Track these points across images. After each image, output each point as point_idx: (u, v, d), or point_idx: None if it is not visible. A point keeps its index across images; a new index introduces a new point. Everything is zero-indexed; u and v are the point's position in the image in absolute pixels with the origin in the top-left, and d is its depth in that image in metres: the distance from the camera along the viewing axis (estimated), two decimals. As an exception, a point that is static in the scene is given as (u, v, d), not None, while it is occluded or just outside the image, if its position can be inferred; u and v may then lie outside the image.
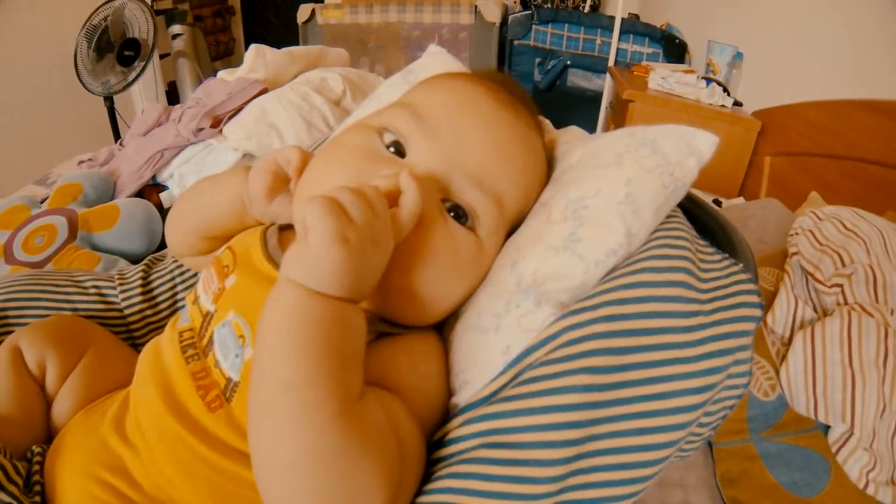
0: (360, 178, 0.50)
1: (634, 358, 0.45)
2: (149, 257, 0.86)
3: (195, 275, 0.81)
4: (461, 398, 0.51)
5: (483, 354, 0.51)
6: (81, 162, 1.71)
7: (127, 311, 0.79)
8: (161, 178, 1.44)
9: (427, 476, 0.47)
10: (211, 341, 0.54)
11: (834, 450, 0.79)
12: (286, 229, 0.62)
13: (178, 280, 0.82)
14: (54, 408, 0.65)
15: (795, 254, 0.98)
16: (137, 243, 1.28)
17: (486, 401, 0.48)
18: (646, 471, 0.43)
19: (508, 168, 0.55)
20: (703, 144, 0.55)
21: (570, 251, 0.51)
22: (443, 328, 0.58)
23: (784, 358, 0.86)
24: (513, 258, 0.54)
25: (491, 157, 0.54)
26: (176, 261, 0.83)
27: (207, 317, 0.55)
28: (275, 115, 1.37)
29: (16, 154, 2.68)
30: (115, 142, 2.26)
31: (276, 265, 0.54)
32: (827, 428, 0.81)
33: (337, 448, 0.39)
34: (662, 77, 2.21)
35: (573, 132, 0.69)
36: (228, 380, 0.51)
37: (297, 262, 0.42)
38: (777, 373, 0.86)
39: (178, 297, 0.82)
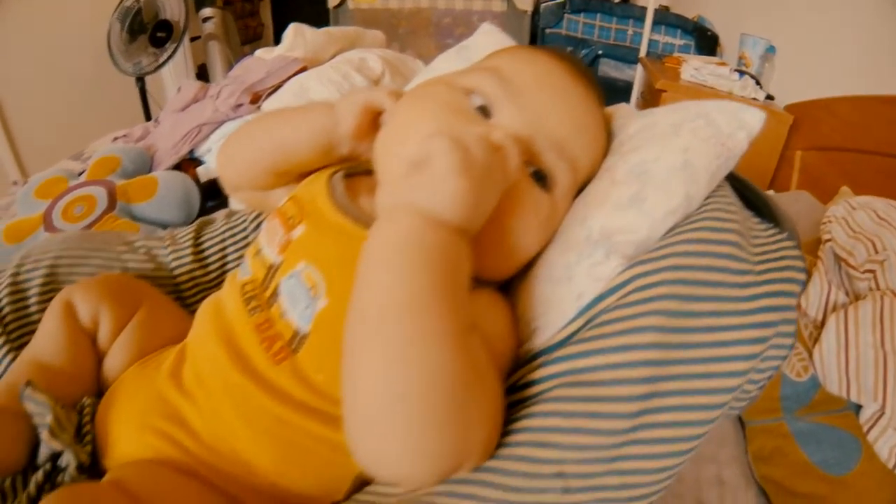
0: (451, 131, 0.50)
1: (698, 306, 0.47)
2: (199, 220, 0.88)
3: (247, 237, 0.84)
4: (534, 344, 0.54)
5: (556, 303, 0.54)
6: (116, 138, 1.74)
7: (177, 272, 0.81)
8: (198, 153, 1.46)
9: (507, 419, 0.49)
10: (276, 293, 0.55)
11: (865, 429, 0.79)
12: (351, 177, 0.64)
13: (228, 242, 0.84)
14: (106, 362, 0.67)
15: (829, 240, 0.99)
16: (175, 214, 1.31)
17: (561, 344, 0.51)
18: (709, 414, 0.45)
19: (582, 137, 0.59)
20: (752, 119, 0.57)
21: (635, 209, 0.53)
22: (511, 282, 0.61)
23: (817, 341, 0.87)
24: (582, 215, 0.57)
25: (569, 127, 0.57)
26: (226, 223, 0.85)
27: (272, 269, 0.57)
28: (315, 93, 1.38)
29: (49, 133, 2.71)
30: (147, 122, 2.29)
31: (346, 214, 0.57)
32: (858, 408, 0.81)
33: (456, 376, 0.39)
34: (695, 68, 2.21)
35: (624, 108, 0.72)
36: (296, 331, 0.53)
37: (415, 189, 0.44)
38: (810, 355, 0.87)
39: (228, 258, 0.83)
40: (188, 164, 1.44)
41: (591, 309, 0.51)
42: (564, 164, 0.57)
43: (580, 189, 0.61)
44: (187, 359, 0.59)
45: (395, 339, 0.39)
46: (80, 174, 1.49)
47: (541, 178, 0.56)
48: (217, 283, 0.80)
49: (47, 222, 1.29)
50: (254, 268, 0.59)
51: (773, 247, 0.53)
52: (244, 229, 0.85)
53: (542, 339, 0.53)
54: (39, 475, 0.58)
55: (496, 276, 0.58)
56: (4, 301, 0.72)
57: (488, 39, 0.88)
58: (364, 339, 0.41)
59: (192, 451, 0.53)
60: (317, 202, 0.59)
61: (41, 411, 0.57)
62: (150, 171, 1.46)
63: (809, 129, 2.00)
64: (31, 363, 0.64)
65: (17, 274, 0.74)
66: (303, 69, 1.46)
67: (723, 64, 2.38)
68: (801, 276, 0.50)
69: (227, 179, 0.73)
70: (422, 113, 0.57)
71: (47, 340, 0.65)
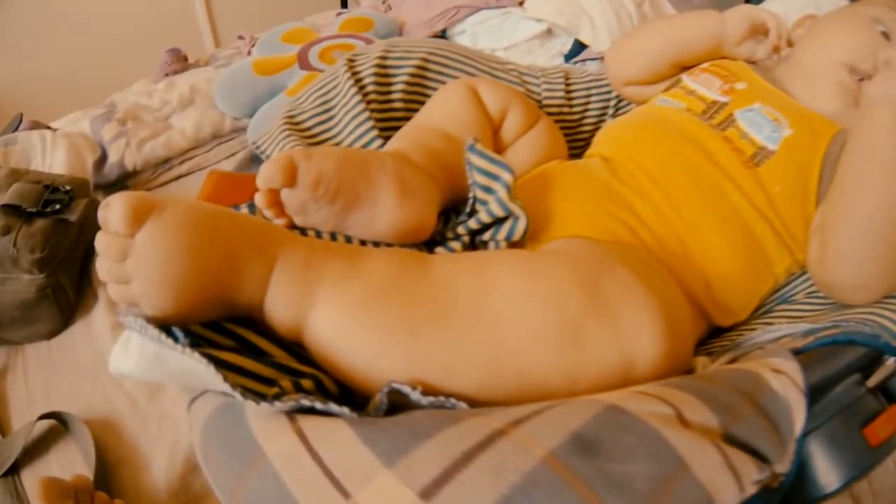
0: (864, 48, 0.66)
1: None
2: (563, 66, 0.94)
3: (609, 92, 0.88)
4: None
5: None
6: (340, 13, 1.70)
7: (546, 101, 0.82)
8: (450, 33, 1.42)
9: None
10: (730, 119, 0.65)
11: None
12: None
13: (593, 92, 0.87)
14: (507, 155, 0.68)
15: None
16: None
17: None
18: None
19: None
20: None
21: None
22: None
23: None
24: None
25: None
26: (592, 76, 0.88)
27: (716, 104, 0.67)
28: (584, 1, 1.32)
29: (244, 8, 2.66)
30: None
31: (774, 86, 0.70)
32: None
33: None
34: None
35: None
36: (761, 148, 0.62)
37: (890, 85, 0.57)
38: None
39: (591, 104, 0.87)
40: (439, 38, 1.40)
41: None
42: None
43: None
44: (620, 163, 0.64)
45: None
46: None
47: None
48: (579, 122, 0.86)
49: (303, 61, 1.29)
50: (687, 102, 0.69)
51: None
52: (608, 87, 0.88)
53: None
54: (456, 245, 0.52)
55: None
56: (369, 80, 0.73)
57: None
58: (871, 176, 0.56)
59: (646, 242, 0.57)
60: (748, 74, 0.71)
61: (493, 170, 0.51)
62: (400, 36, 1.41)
63: None
64: (435, 132, 0.63)
65: (384, 58, 0.75)
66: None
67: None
68: None
69: (621, 73, 0.82)
70: (848, 28, 0.70)
71: (451, 116, 0.64)
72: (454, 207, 0.60)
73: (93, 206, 0.97)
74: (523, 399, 0.37)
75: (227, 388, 0.34)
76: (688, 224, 0.59)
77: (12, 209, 0.90)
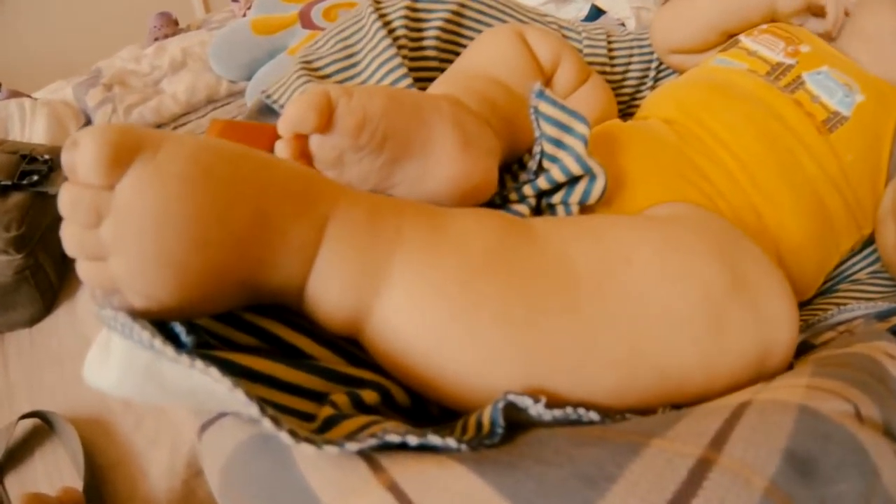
0: None
1: None
2: (607, 29, 0.86)
3: (651, 53, 0.82)
4: None
5: None
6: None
7: (587, 60, 0.77)
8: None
9: None
10: (798, 82, 0.60)
11: None
12: None
13: (635, 52, 0.81)
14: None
15: None
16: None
17: None
18: None
19: None
20: None
21: None
22: None
23: None
24: None
25: None
26: (634, 35, 0.82)
27: (781, 66, 0.61)
28: None
29: None
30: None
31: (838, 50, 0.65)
32: None
33: None
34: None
35: None
36: (834, 113, 0.57)
37: None
38: None
39: (631, 67, 0.81)
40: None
41: None
42: None
43: None
44: (685, 126, 0.58)
45: None
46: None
47: None
48: (619, 83, 0.80)
49: (305, 20, 1.22)
50: (749, 63, 0.63)
51: None
52: (650, 48, 0.82)
53: None
54: (523, 208, 0.44)
55: None
56: (399, 23, 0.65)
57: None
58: None
59: (723, 212, 0.52)
60: (810, 37, 0.65)
61: (566, 121, 0.43)
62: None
63: None
64: (486, 79, 0.55)
65: (415, 0, 0.66)
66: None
67: None
68: None
69: (668, 41, 0.77)
70: None
71: (501, 63, 0.57)
72: (506, 166, 0.51)
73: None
74: (658, 402, 0.29)
75: (265, 420, 0.23)
76: (763, 193, 0.54)
77: (-15, 182, 0.81)
